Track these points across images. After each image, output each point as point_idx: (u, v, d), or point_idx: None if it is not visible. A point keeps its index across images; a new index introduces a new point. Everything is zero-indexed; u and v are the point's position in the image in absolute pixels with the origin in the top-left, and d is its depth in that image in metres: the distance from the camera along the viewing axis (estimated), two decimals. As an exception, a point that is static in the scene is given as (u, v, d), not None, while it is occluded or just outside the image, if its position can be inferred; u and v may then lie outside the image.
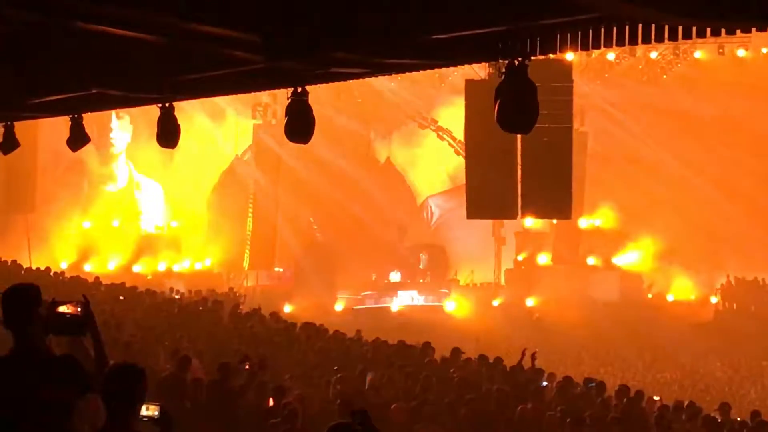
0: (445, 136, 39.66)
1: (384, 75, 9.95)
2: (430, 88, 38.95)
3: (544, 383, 15.57)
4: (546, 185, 25.55)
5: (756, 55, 34.52)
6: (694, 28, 7.14)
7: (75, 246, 37.73)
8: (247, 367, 12.29)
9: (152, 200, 41.33)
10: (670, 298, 37.29)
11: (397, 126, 41.66)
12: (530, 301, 35.77)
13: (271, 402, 11.52)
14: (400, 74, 28.78)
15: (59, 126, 13.24)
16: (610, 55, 34.89)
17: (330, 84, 10.52)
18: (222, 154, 41.61)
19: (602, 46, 7.57)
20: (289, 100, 9.40)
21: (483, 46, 7.69)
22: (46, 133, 31.99)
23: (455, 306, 35.82)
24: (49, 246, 36.55)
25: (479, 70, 30.52)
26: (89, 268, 35.47)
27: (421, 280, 38.94)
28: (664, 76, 37.20)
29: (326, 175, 39.82)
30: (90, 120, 12.51)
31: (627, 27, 7.23)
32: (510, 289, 37.44)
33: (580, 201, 32.78)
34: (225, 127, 40.74)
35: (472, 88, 27.02)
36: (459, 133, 35.30)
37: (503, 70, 7.64)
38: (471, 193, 27.04)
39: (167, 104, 10.73)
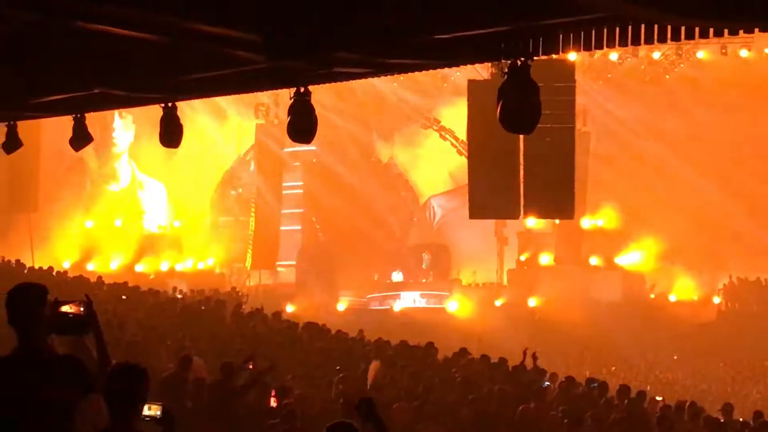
0: (447, 136, 39.65)
1: (386, 75, 9.97)
2: (433, 88, 38.95)
3: (547, 383, 15.57)
4: (548, 185, 25.56)
5: (759, 55, 34.49)
6: (696, 29, 7.14)
7: (77, 245, 37.75)
8: (251, 366, 12.29)
9: (155, 200, 41.36)
10: (672, 298, 37.26)
11: (400, 126, 41.66)
12: (532, 301, 35.76)
13: (274, 402, 11.52)
14: (403, 74, 28.85)
15: (62, 126, 13.22)
16: (613, 56, 34.88)
17: (332, 84, 10.52)
18: (224, 153, 41.65)
19: (605, 47, 7.56)
20: (292, 100, 9.41)
21: (485, 46, 7.69)
22: (49, 132, 31.98)
23: (457, 306, 35.81)
24: (52, 245, 36.57)
25: (482, 70, 30.53)
26: (92, 267, 35.50)
27: (424, 280, 38.93)
28: (667, 77, 37.18)
29: (328, 175, 39.87)
30: (93, 120, 12.50)
31: (629, 27, 7.22)
32: (512, 289, 37.42)
33: (582, 201, 32.77)
34: (227, 127, 40.76)
35: (474, 88, 27.04)
36: (461, 133, 35.32)
37: (506, 70, 7.64)
38: (473, 193, 27.05)
39: (170, 104, 10.74)
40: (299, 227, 40.96)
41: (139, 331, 15.94)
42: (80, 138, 12.14)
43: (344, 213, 39.60)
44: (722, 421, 14.29)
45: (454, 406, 12.43)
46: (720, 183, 35.75)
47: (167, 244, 39.28)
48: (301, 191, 40.80)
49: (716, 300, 36.28)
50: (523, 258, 38.39)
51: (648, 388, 22.52)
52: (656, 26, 7.18)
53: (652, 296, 37.33)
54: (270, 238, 38.80)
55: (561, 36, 7.44)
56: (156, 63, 8.95)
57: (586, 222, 37.71)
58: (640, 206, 37.29)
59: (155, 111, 10.99)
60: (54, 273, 25.80)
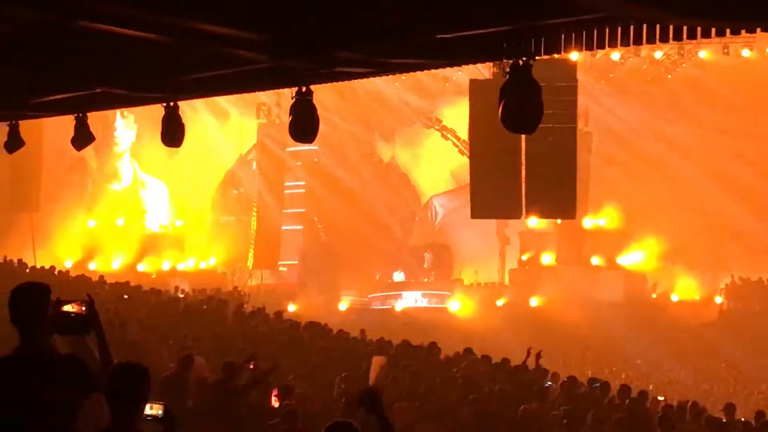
0: (449, 135, 39.65)
1: (388, 74, 9.96)
2: (434, 87, 38.95)
3: (548, 383, 15.57)
4: (550, 185, 25.55)
5: (761, 55, 34.48)
6: (698, 29, 7.13)
7: (79, 245, 37.78)
8: (251, 366, 12.29)
9: (157, 199, 41.38)
10: (674, 298, 37.24)
11: (401, 126, 41.67)
12: (534, 301, 35.75)
13: (275, 402, 11.52)
14: (404, 74, 28.86)
15: (64, 125, 13.23)
16: (615, 55, 34.87)
17: (334, 84, 10.52)
18: (226, 153, 41.66)
19: (607, 46, 7.56)
20: (293, 99, 9.41)
21: (487, 46, 7.69)
22: (51, 132, 32.02)
23: (459, 306, 35.80)
24: (54, 245, 36.60)
25: (483, 70, 30.54)
26: (94, 267, 35.53)
27: (426, 280, 38.93)
28: (669, 76, 37.17)
29: (330, 175, 39.88)
30: (95, 119, 12.50)
31: (631, 27, 7.22)
32: (514, 289, 37.41)
33: (584, 201, 32.76)
34: (229, 127, 40.78)
35: (476, 87, 27.03)
36: (463, 133, 35.29)
37: (507, 69, 7.63)
38: (475, 192, 27.03)
39: (171, 103, 10.74)
40: (301, 227, 40.98)
41: (141, 331, 15.94)
42: (82, 137, 12.15)
43: (346, 213, 39.61)
44: (724, 421, 14.29)
45: (455, 406, 12.43)
46: (722, 182, 35.72)
47: (169, 244, 39.30)
48: (302, 191, 40.82)
49: (718, 300, 36.25)
50: (524, 258, 38.38)
51: (650, 387, 22.51)
52: (658, 26, 7.18)
53: (654, 296, 37.30)
54: (271, 237, 38.82)
55: (563, 36, 7.44)
56: (158, 62, 8.95)
57: (588, 222, 37.70)
58: (641, 206, 37.27)
59: (157, 110, 10.99)
60: (56, 272, 25.81)
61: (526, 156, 25.82)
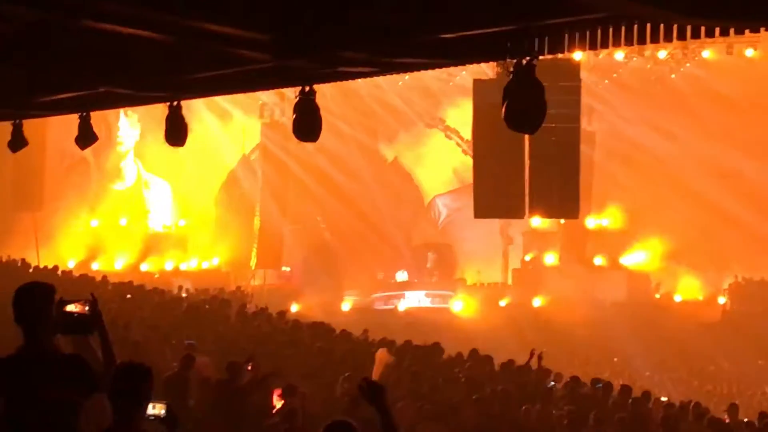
0: (452, 135, 39.64)
1: (391, 74, 9.95)
2: (438, 87, 38.93)
3: (551, 383, 15.57)
4: (554, 185, 25.54)
5: (765, 54, 34.40)
6: (702, 28, 7.12)
7: (82, 244, 37.80)
8: (249, 368, 12.30)
9: (160, 199, 41.39)
10: (677, 298, 37.21)
11: (404, 125, 41.63)
12: (537, 301, 35.74)
13: (278, 401, 11.53)
14: (408, 73, 28.84)
15: (67, 124, 13.25)
16: (618, 55, 34.81)
17: (337, 83, 10.53)
18: (230, 152, 41.65)
19: (610, 46, 7.55)
20: (297, 99, 9.42)
21: (491, 46, 7.68)
22: (55, 131, 32.06)
23: (462, 306, 35.79)
24: (57, 244, 36.61)
25: (487, 70, 30.51)
26: (97, 266, 35.53)
27: (433, 279, 38.89)
28: (673, 76, 37.12)
29: (334, 174, 39.86)
30: (98, 118, 12.51)
31: (635, 26, 7.21)
32: (517, 289, 37.39)
33: (587, 201, 32.74)
34: (233, 126, 40.78)
35: (479, 87, 27.03)
36: (466, 133, 35.26)
37: (511, 69, 7.63)
38: (478, 192, 27.02)
39: (175, 103, 10.75)
40: (304, 227, 40.93)
41: (144, 331, 15.95)
42: (86, 137, 12.15)
43: (349, 212, 39.60)
44: (727, 421, 14.29)
45: (458, 406, 12.43)
46: (725, 182, 35.68)
47: (172, 244, 39.31)
48: (305, 191, 40.78)
49: (721, 300, 36.21)
50: (527, 258, 38.36)
51: (653, 388, 22.48)
52: (662, 25, 7.17)
53: (657, 296, 37.28)
54: (275, 237, 38.81)
55: (566, 35, 7.43)
56: (161, 62, 8.95)
57: (591, 222, 37.68)
58: (645, 206, 37.25)
59: (160, 110, 11.00)
60: (59, 272, 25.84)
61: (530, 156, 25.80)
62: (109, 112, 34.51)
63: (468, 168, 31.80)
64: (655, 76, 37.44)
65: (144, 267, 37.44)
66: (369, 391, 5.78)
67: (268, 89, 26.01)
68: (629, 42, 7.34)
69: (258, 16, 7.52)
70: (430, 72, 33.96)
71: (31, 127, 12.96)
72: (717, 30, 7.15)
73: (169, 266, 38.06)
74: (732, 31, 7.36)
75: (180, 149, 11.68)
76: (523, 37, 7.40)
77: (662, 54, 35.17)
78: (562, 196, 25.79)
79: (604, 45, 7.48)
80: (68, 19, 7.48)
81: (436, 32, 7.58)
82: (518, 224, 36.85)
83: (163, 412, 5.76)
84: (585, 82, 28.71)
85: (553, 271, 37.20)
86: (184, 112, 10.85)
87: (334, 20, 7.50)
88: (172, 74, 9.61)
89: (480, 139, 27.03)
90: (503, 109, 7.66)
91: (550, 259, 37.95)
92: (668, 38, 7.25)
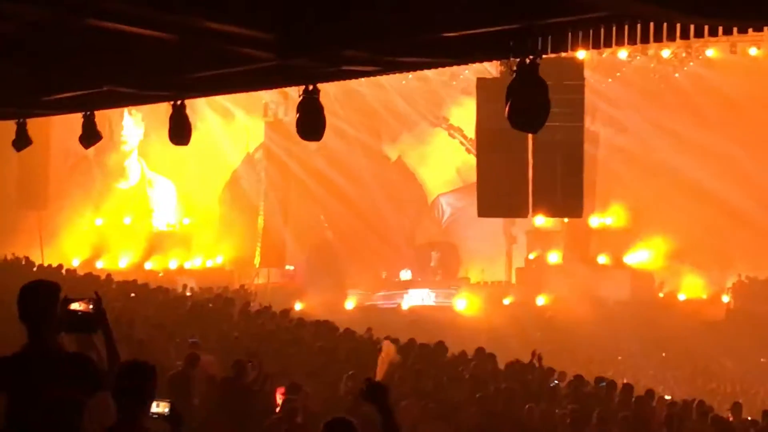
0: (456, 134, 39.62)
1: (395, 73, 9.95)
2: (441, 86, 38.92)
3: (555, 382, 15.57)
4: (557, 184, 25.53)
5: (768, 53, 34.39)
6: (705, 27, 7.12)
7: (87, 243, 37.82)
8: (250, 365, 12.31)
9: (164, 197, 41.42)
10: (681, 297, 37.17)
11: (408, 124, 41.62)
12: (541, 300, 35.72)
13: (280, 400, 11.54)
14: (411, 72, 28.84)
15: (72, 123, 13.28)
16: (622, 54, 34.77)
17: (341, 82, 10.54)
18: (233, 151, 41.66)
19: (614, 45, 7.55)
20: (301, 98, 9.43)
21: (494, 44, 7.68)
22: (59, 130, 32.08)
23: (466, 304, 35.78)
24: (61, 243, 36.64)
25: (491, 68, 30.51)
26: (101, 265, 35.55)
27: (437, 278, 38.88)
28: (676, 75, 37.07)
29: (337, 173, 39.87)
30: (102, 117, 12.54)
31: (638, 25, 7.22)
32: (521, 288, 37.38)
33: (591, 199, 32.71)
34: (236, 126, 40.80)
35: (483, 86, 27.02)
36: (470, 132, 35.28)
37: (514, 68, 7.63)
38: (482, 191, 27.02)
39: (178, 102, 10.77)
40: (308, 225, 40.94)
41: (148, 329, 15.97)
42: (90, 136, 12.18)
43: (352, 211, 39.62)
44: (731, 420, 14.28)
45: (461, 405, 12.43)
46: (728, 181, 35.64)
47: (176, 242, 39.34)
48: (309, 189, 40.79)
49: (725, 299, 36.19)
50: (531, 256, 38.35)
51: (657, 387, 22.47)
52: (665, 24, 7.17)
53: (661, 295, 37.25)
54: (278, 236, 38.85)
55: (570, 34, 7.44)
56: (165, 61, 8.97)
57: (595, 220, 37.67)
58: (648, 204, 37.22)
59: (164, 109, 11.02)
60: (63, 270, 25.85)
61: (533, 154, 25.79)
62: (114, 111, 34.54)
63: (471, 167, 31.80)
64: (659, 75, 37.39)
65: (148, 265, 37.46)
66: (371, 391, 5.78)
67: (271, 88, 26.00)
68: (632, 41, 7.34)
69: (259, 14, 7.54)
70: (433, 71, 34.01)
71: (35, 126, 12.99)
72: (720, 29, 7.16)
73: (173, 265, 38.08)
74: (735, 29, 7.37)
75: (184, 148, 11.69)
76: (526, 36, 7.40)
77: (666, 53, 35.12)
78: (566, 194, 25.78)
79: (608, 44, 7.49)
80: (72, 18, 7.49)
81: (439, 31, 7.59)
82: (522, 223, 36.85)
83: (167, 410, 5.77)
84: (588, 80, 28.70)
85: (556, 269, 37.19)
86: (188, 111, 10.87)
87: (335, 19, 7.52)
88: (175, 73, 9.63)
89: (483, 138, 27.03)
90: (507, 108, 7.67)
91: (554, 257, 37.93)
92: (671, 37, 7.26)
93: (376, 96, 39.27)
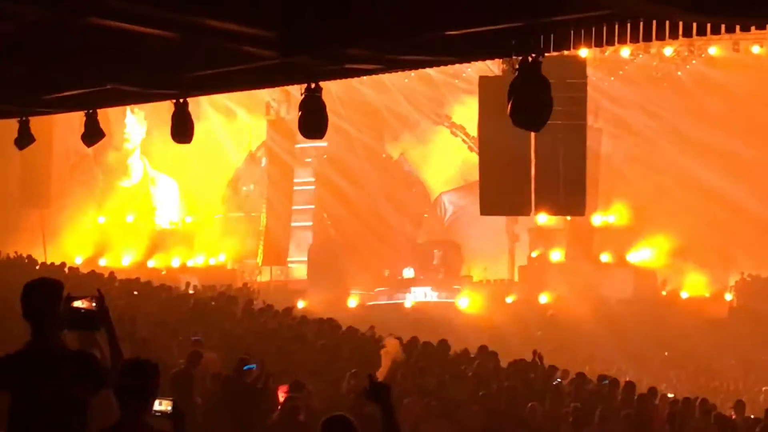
0: (458, 132, 39.63)
1: (397, 71, 9.94)
2: (444, 84, 38.91)
3: (558, 380, 15.57)
4: (560, 182, 25.52)
5: (771, 51, 34.36)
6: (708, 25, 7.12)
7: (90, 241, 37.87)
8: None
9: (167, 196, 41.47)
10: (684, 295, 37.15)
11: (410, 122, 41.64)
12: (543, 298, 35.72)
13: (283, 398, 11.55)
14: (414, 70, 28.81)
15: (74, 121, 13.29)
16: (625, 52, 34.75)
17: (342, 81, 10.55)
18: (236, 150, 41.70)
19: (616, 43, 7.55)
20: (303, 96, 9.43)
21: (497, 43, 7.69)
22: (61, 128, 32.14)
23: (468, 302, 35.78)
24: (64, 241, 36.69)
25: (493, 67, 30.50)
26: (104, 263, 35.59)
27: (439, 276, 38.88)
28: (679, 73, 37.07)
29: (339, 172, 39.89)
30: (105, 115, 12.53)
31: (641, 24, 7.22)
32: (523, 286, 37.38)
33: (593, 197, 32.70)
34: (238, 124, 40.84)
35: (485, 84, 27.01)
36: (472, 130, 35.28)
37: (517, 66, 7.63)
38: (484, 189, 27.02)
39: (181, 100, 10.77)
40: (310, 223, 41.00)
41: (151, 327, 15.98)
42: (92, 134, 12.18)
43: (355, 210, 39.63)
44: (734, 418, 14.28)
45: (464, 403, 12.44)
46: (732, 179, 35.61)
47: (179, 240, 39.38)
48: (312, 187, 40.84)
49: (728, 297, 36.18)
50: (534, 255, 38.34)
51: (660, 385, 22.47)
52: (667, 22, 7.16)
53: (664, 293, 37.23)
54: (281, 234, 38.88)
55: (572, 32, 7.44)
56: (167, 59, 8.97)
57: (597, 219, 37.65)
58: (651, 202, 37.21)
59: (167, 107, 11.02)
60: (66, 269, 25.87)
61: (536, 153, 25.79)
62: (116, 110, 34.57)
63: (474, 165, 31.80)
64: (662, 73, 37.38)
65: (151, 263, 37.51)
66: (374, 390, 5.78)
67: (273, 86, 25.98)
68: (635, 39, 7.34)
69: (260, 12, 7.54)
70: (435, 69, 34.01)
71: (37, 124, 12.99)
72: (722, 27, 7.15)
73: (175, 263, 38.12)
74: (737, 27, 7.37)
75: (186, 146, 11.69)
76: (528, 34, 7.40)
77: (668, 51, 35.12)
78: (568, 192, 25.77)
79: (610, 42, 7.49)
80: (74, 16, 7.50)
81: (441, 29, 7.59)
82: (524, 221, 36.83)
83: (169, 408, 5.77)
84: (591, 78, 28.69)
85: (559, 268, 37.17)
86: (191, 108, 10.87)
87: (337, 16, 7.52)
88: (178, 71, 9.63)
89: (486, 136, 27.03)
90: (509, 106, 7.67)
91: (557, 255, 37.92)
92: (674, 35, 7.26)
93: (378, 95, 39.26)
